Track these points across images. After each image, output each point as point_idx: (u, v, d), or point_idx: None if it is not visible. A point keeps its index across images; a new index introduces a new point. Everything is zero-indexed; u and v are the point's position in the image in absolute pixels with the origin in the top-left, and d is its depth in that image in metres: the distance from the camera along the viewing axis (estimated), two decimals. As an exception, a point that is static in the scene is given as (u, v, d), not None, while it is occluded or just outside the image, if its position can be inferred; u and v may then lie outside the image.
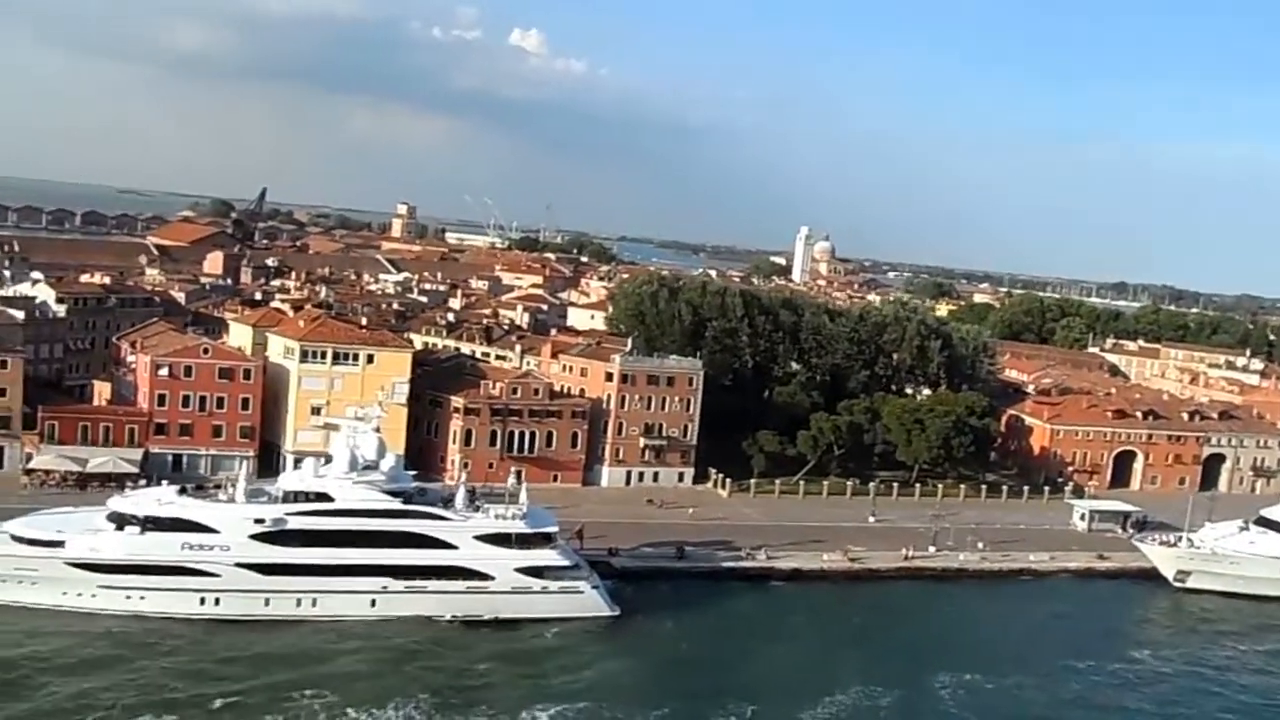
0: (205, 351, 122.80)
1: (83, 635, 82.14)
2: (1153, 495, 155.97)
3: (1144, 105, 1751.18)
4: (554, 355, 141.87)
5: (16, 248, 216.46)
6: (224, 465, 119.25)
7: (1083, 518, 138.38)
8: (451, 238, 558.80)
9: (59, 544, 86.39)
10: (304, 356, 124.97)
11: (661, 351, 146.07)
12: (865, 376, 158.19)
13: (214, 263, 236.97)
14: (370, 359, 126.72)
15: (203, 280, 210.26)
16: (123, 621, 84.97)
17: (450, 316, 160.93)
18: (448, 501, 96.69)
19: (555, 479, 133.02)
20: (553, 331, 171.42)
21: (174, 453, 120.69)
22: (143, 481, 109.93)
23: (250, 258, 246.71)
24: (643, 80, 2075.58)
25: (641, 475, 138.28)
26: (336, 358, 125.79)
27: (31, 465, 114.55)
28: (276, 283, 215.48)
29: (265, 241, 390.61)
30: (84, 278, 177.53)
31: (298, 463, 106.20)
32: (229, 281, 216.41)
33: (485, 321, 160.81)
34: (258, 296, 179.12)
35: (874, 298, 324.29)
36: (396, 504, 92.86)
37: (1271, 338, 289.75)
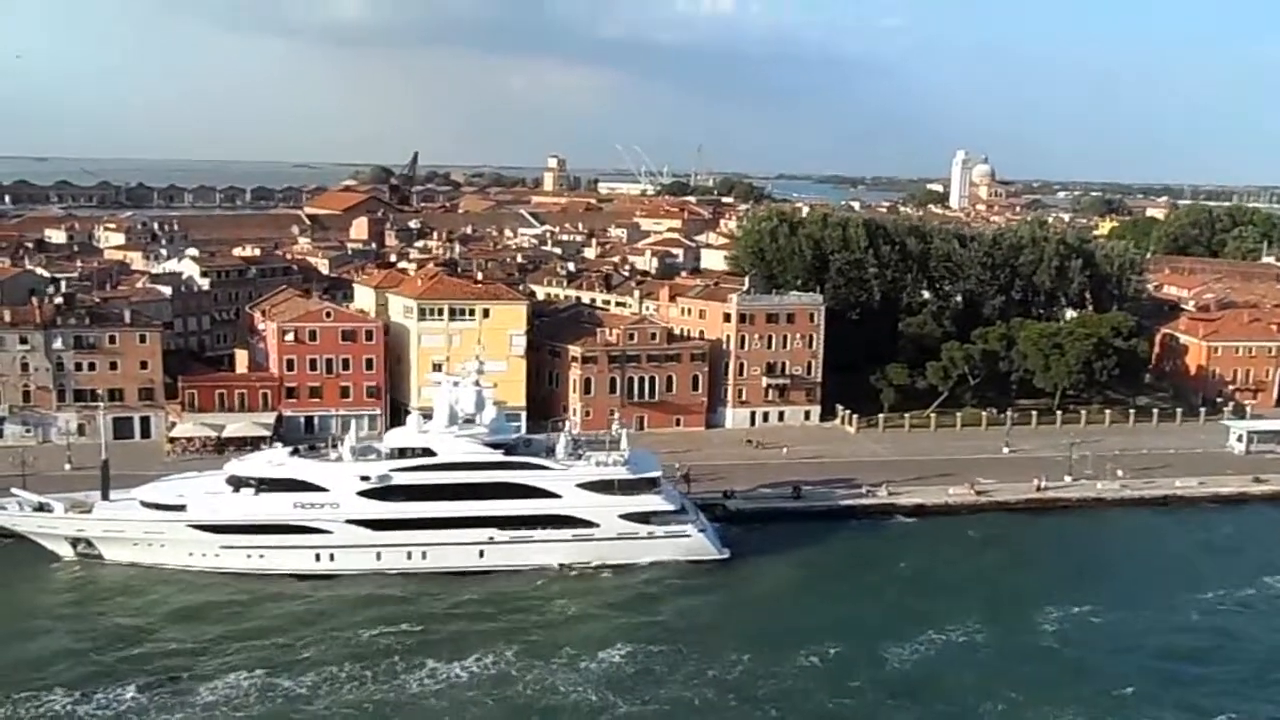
0: (327, 315, 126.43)
1: (207, 592, 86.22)
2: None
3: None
4: (672, 298, 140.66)
5: (176, 226, 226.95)
6: (355, 425, 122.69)
7: (1240, 439, 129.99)
8: (604, 188, 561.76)
9: (182, 508, 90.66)
10: (422, 314, 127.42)
11: (784, 288, 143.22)
12: (1001, 302, 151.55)
13: (360, 228, 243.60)
14: (486, 313, 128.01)
15: (349, 246, 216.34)
16: (244, 579, 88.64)
17: (571, 266, 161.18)
18: (552, 451, 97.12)
19: (678, 423, 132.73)
20: (681, 274, 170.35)
21: (306, 415, 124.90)
22: (276, 444, 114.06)
23: (393, 221, 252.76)
24: (793, 14, 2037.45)
25: (766, 415, 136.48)
26: (453, 314, 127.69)
27: (174, 433, 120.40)
28: (419, 244, 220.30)
29: (423, 204, 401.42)
30: (236, 251, 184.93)
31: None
32: (373, 246, 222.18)
33: (605, 269, 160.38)
34: (393, 259, 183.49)
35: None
36: (497, 455, 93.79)
37: None
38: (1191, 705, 71.03)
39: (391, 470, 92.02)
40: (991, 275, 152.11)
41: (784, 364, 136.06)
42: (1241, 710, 70.65)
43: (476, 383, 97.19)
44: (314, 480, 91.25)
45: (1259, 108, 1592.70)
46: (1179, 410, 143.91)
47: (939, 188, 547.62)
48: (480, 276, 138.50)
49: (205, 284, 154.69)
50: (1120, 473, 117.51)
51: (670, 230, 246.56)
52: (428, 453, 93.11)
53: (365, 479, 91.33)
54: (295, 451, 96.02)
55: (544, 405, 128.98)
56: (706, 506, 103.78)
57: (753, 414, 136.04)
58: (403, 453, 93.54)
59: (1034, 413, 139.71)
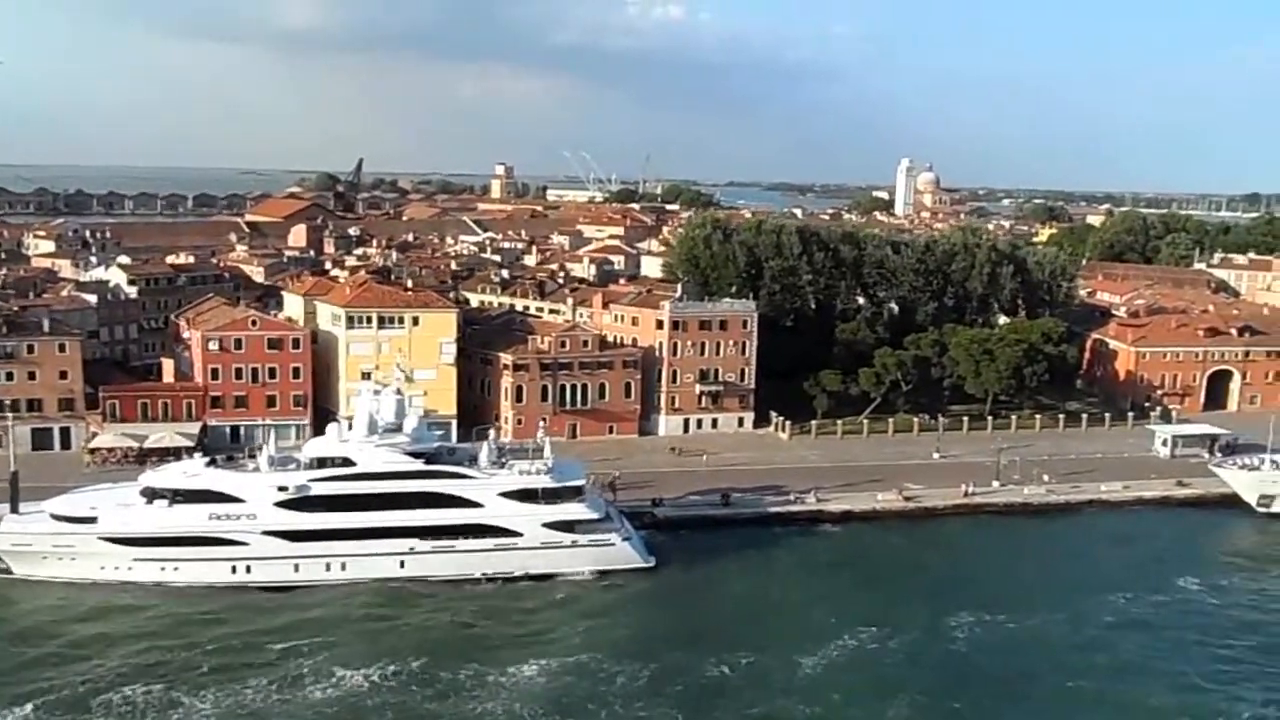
0: (253, 324, 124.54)
1: (117, 607, 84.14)
2: (1253, 416, 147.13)
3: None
4: (605, 305, 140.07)
5: (108, 234, 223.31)
6: (282, 434, 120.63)
7: (1164, 443, 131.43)
8: (552, 195, 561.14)
9: (93, 520, 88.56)
10: (350, 322, 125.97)
11: (719, 295, 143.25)
12: (934, 308, 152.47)
13: (298, 236, 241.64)
14: (416, 321, 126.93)
15: (286, 253, 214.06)
16: (157, 592, 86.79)
17: (505, 273, 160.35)
18: (475, 459, 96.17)
19: (611, 430, 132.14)
20: (620, 281, 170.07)
21: (231, 425, 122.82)
22: (198, 454, 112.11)
23: (332, 229, 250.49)
24: (743, 21, 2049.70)
25: (699, 422, 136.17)
26: (382, 322, 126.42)
27: (94, 444, 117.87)
28: (358, 251, 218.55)
29: (369, 211, 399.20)
30: (170, 258, 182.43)
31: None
32: (311, 253, 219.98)
33: (540, 277, 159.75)
34: (326, 266, 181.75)
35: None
36: (418, 465, 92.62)
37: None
38: (1094, 706, 71.39)
39: (310, 480, 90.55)
40: (925, 282, 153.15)
41: (717, 371, 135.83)
42: (1147, 709, 71.19)
43: (398, 391, 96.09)
44: (230, 491, 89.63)
45: (1200, 120, 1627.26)
46: (1108, 415, 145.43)
47: (885, 195, 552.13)
48: (410, 284, 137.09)
49: (133, 292, 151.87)
50: (1046, 477, 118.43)
51: (611, 237, 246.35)
52: (347, 462, 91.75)
53: (283, 489, 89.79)
54: (212, 462, 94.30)
55: (476, 413, 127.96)
56: (635, 514, 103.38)
57: (686, 421, 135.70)
58: (322, 463, 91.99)
59: (965, 418, 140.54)
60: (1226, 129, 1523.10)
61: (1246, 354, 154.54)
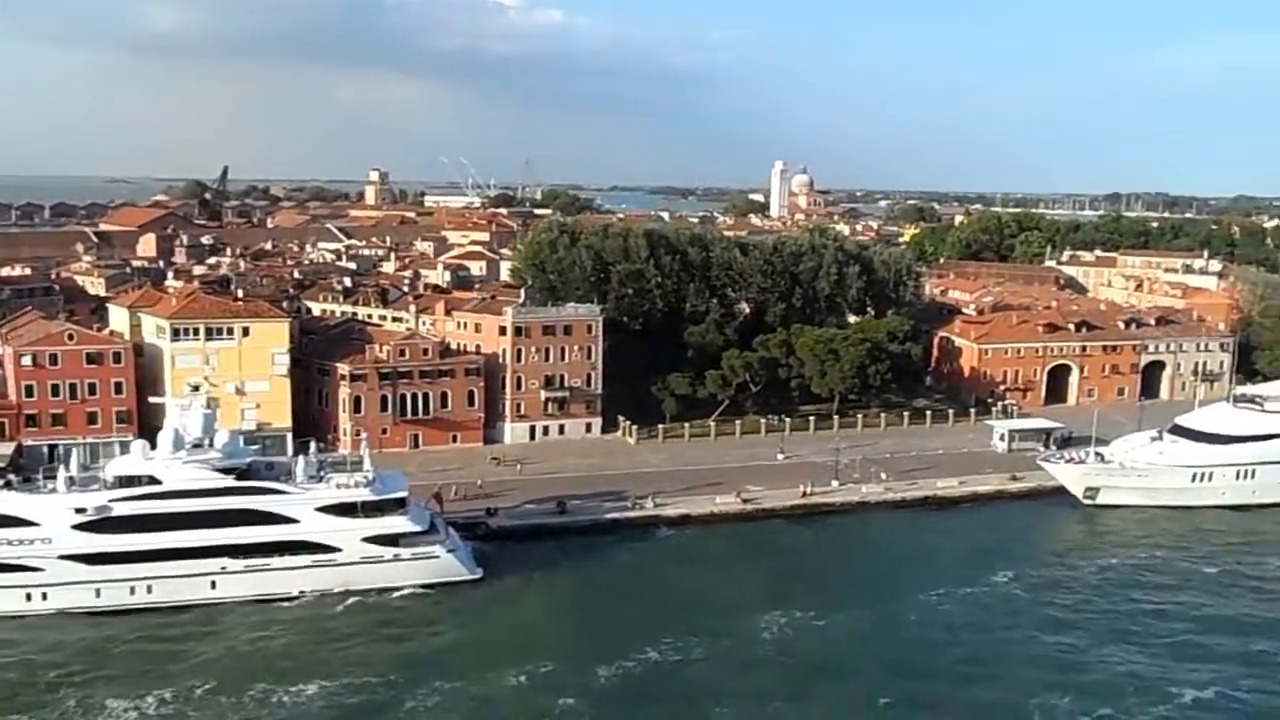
0: (70, 337, 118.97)
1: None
2: (1090, 409, 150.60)
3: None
4: (448, 312, 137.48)
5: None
6: (104, 453, 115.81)
7: (1002, 438, 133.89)
8: (430, 200, 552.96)
9: None
10: (175, 334, 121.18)
11: (566, 300, 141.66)
12: (783, 309, 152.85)
13: (147, 245, 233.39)
14: (246, 332, 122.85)
15: (135, 264, 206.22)
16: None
17: (348, 281, 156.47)
18: (291, 474, 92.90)
19: (454, 439, 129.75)
20: (476, 287, 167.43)
21: (49, 443, 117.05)
22: (11, 475, 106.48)
23: (183, 238, 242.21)
24: (622, 27, 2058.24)
25: (546, 429, 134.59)
26: (210, 333, 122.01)
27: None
28: (211, 260, 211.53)
29: (236, 220, 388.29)
30: (5, 270, 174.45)
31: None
32: (161, 264, 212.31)
33: (381, 284, 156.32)
34: (168, 277, 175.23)
35: (843, 228, 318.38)
36: (228, 481, 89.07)
37: (1235, 237, 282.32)
38: (889, 700, 71.70)
39: (111, 500, 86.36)
40: (773, 283, 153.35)
41: (563, 377, 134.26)
42: (932, 702, 71.83)
43: (207, 404, 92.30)
44: (21, 514, 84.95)
45: (1067, 121, 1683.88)
46: (952, 411, 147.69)
47: (761, 198, 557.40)
48: (241, 294, 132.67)
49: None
50: (884, 475, 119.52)
51: (474, 243, 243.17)
52: (152, 480, 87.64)
53: (81, 511, 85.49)
54: (7, 484, 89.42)
55: (316, 425, 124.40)
56: (469, 525, 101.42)
57: (532, 428, 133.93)
58: (125, 481, 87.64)
59: (813, 418, 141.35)
60: (1089, 131, 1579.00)
61: (1083, 349, 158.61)
